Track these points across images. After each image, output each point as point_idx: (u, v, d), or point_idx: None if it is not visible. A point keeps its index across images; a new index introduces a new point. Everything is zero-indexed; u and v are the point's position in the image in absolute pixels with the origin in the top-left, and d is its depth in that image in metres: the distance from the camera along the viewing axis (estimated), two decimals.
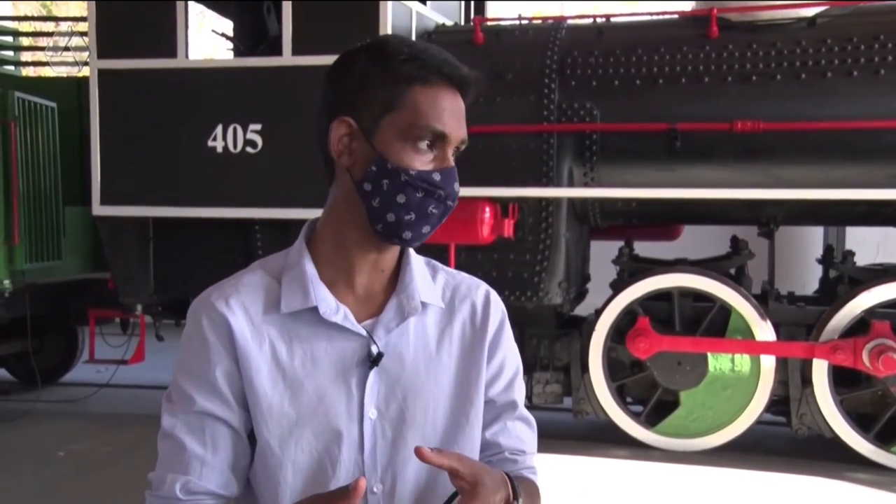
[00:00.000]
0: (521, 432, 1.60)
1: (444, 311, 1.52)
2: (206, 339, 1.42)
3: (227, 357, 1.41)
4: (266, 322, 1.43)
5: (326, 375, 1.43)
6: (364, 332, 1.43)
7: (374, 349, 1.43)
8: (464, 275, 1.61)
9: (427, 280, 1.52)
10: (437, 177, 1.38)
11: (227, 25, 7.10)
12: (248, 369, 1.41)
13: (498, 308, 1.58)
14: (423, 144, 1.37)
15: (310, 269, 1.44)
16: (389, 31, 5.48)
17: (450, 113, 1.38)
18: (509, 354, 1.58)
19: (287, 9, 5.72)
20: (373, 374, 1.43)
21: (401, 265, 1.50)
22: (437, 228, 1.43)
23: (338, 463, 1.41)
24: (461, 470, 1.31)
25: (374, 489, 1.44)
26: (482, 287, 1.59)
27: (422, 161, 1.38)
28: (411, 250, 1.52)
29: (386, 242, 1.43)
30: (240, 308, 1.43)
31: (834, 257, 5.88)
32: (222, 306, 1.42)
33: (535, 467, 1.63)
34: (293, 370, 1.42)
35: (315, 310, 1.42)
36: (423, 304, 1.48)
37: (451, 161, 1.40)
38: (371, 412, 1.43)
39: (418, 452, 1.27)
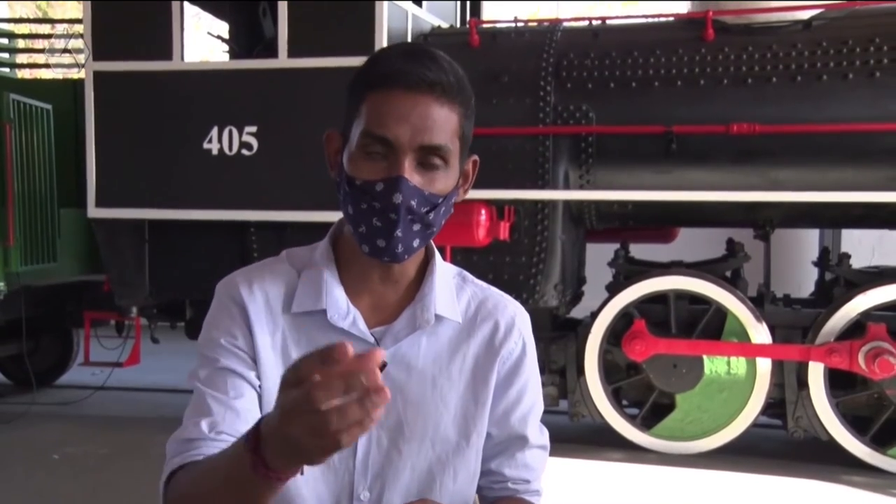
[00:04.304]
0: (530, 460, 1.55)
1: (463, 326, 1.48)
2: (229, 312, 1.43)
3: (245, 333, 1.42)
4: (282, 315, 1.43)
5: None
6: (372, 339, 1.42)
7: None
8: (494, 290, 1.55)
9: (450, 293, 1.48)
10: (378, 186, 1.31)
11: (223, 27, 7.09)
12: (258, 353, 1.41)
13: (523, 333, 1.52)
14: (373, 152, 1.32)
15: (328, 270, 1.43)
16: (385, 34, 5.48)
17: (397, 117, 1.29)
18: (529, 386, 1.53)
19: (283, 11, 5.70)
20: None
21: (424, 275, 1.47)
22: (403, 243, 1.34)
23: (327, 465, 1.40)
24: None
25: (362, 496, 1.43)
26: (511, 307, 1.53)
27: (372, 170, 1.32)
28: (438, 260, 1.49)
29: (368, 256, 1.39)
30: (261, 295, 1.43)
31: (830, 260, 5.88)
32: (244, 290, 1.43)
33: (540, 490, 1.59)
34: None
35: (326, 312, 1.41)
36: (439, 317, 1.44)
37: (402, 170, 1.30)
38: None
39: None
